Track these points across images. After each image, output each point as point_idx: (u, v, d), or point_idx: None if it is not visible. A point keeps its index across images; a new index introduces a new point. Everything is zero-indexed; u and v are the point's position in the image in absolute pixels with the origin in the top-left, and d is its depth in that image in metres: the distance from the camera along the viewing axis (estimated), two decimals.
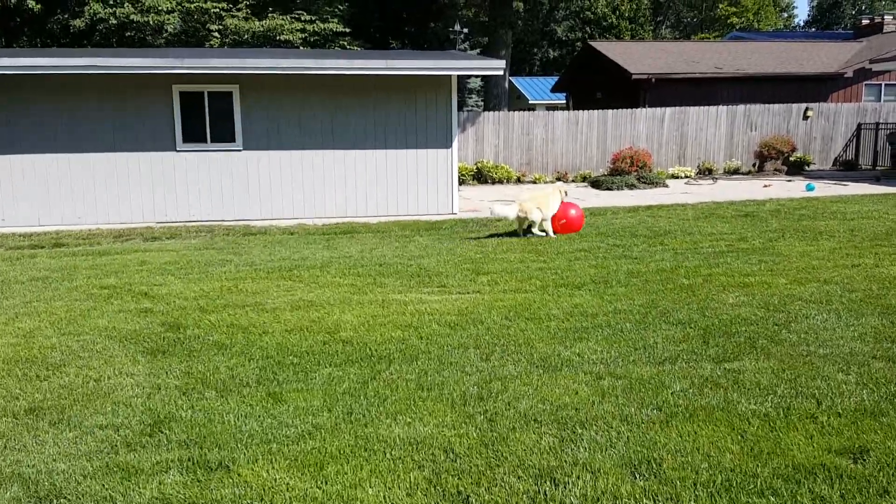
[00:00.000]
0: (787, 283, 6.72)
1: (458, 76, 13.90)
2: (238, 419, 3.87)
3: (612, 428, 3.56)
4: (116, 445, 3.65)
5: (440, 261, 8.37)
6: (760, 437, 3.39)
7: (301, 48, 25.67)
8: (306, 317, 5.89)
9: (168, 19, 25.69)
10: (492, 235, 10.45)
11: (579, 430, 3.54)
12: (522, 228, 10.38)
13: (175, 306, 6.46)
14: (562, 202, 10.45)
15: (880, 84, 25.04)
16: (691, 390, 4.05)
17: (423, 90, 13.37)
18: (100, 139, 12.75)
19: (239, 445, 3.54)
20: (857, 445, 3.27)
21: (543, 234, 10.24)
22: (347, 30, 28.33)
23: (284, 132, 13.23)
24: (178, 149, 13.05)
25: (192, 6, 26.00)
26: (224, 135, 13.19)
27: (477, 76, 27.70)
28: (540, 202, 10.27)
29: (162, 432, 3.77)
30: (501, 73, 12.95)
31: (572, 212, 10.56)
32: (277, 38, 25.75)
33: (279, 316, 5.95)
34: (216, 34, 26.66)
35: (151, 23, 25.64)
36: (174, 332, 5.64)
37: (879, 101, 24.44)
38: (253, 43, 26.26)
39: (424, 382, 4.29)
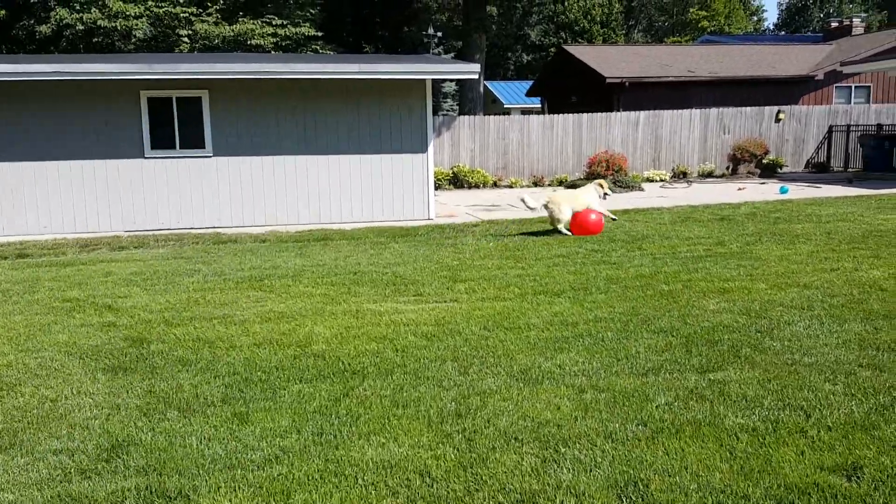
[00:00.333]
0: (767, 288, 6.64)
1: (433, 80, 13.76)
2: (201, 442, 3.65)
3: (596, 446, 3.40)
4: (70, 473, 3.41)
5: (416, 268, 8.19)
6: (750, 454, 3.25)
7: (273, 53, 25.35)
8: (276, 329, 5.67)
9: (136, 24, 25.23)
10: (469, 241, 10.28)
11: (562, 449, 3.38)
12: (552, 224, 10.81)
13: (139, 320, 6.21)
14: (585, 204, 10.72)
15: (850, 86, 25.36)
16: (676, 403, 3.90)
17: (397, 94, 13.20)
18: (66, 146, 12.39)
19: (201, 472, 3.32)
20: (849, 462, 3.14)
21: (568, 233, 10.62)
22: (320, 34, 28.07)
23: (256, 138, 12.97)
24: (146, 156, 12.73)
25: (161, 11, 25.58)
26: (194, 141, 12.90)
27: (451, 80, 27.59)
28: (575, 200, 10.76)
29: (119, 457, 3.54)
30: (476, 76, 12.81)
31: (592, 217, 10.60)
32: (248, 42, 25.41)
33: (248, 328, 5.72)
34: (186, 39, 26.25)
35: (119, 28, 25.16)
36: (137, 347, 5.39)
37: (849, 103, 24.76)
38: (223, 48, 25.89)
39: (400, 399, 4.10)
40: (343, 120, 13.15)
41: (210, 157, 12.96)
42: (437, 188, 20.08)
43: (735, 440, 3.39)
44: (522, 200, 10.99)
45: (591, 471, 3.17)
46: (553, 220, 10.75)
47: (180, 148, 12.85)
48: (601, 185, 11.14)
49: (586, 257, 8.70)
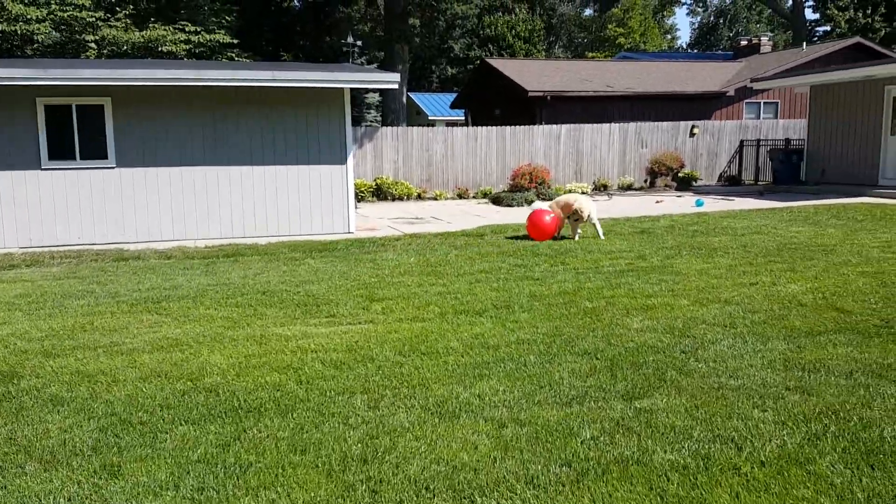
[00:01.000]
0: (689, 304, 6.51)
1: (354, 90, 13.33)
2: None
3: (516, 494, 3.05)
4: None
5: (331, 286, 7.72)
6: (682, 498, 2.98)
7: (185, 60, 24.31)
8: (168, 359, 5.11)
9: (38, 28, 23.72)
10: (390, 256, 9.88)
11: (479, 500, 3.02)
12: (571, 228, 11.27)
13: (14, 350, 5.52)
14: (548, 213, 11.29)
15: (759, 102, 26.35)
16: (602, 438, 3.61)
17: (314, 104, 12.70)
18: None
19: None
20: None
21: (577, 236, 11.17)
22: (236, 41, 27.15)
23: (163, 148, 12.21)
24: (43, 167, 11.79)
25: (66, 15, 24.14)
26: (95, 151, 12.04)
27: (372, 90, 27.14)
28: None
29: None
30: (396, 86, 12.48)
31: (546, 219, 11.18)
32: (160, 49, 24.28)
33: (136, 359, 5.14)
34: (93, 45, 24.87)
35: (20, 32, 23.60)
36: (6, 383, 4.74)
37: (759, 118, 25.71)
38: (133, 54, 24.67)
39: (299, 442, 3.66)
40: (257, 130, 12.55)
41: (113, 168, 12.11)
42: (359, 200, 19.62)
43: (666, 481, 3.12)
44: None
45: None
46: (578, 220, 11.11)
47: (81, 159, 11.96)
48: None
49: (509, 273, 8.44)
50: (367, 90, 26.14)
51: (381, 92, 27.44)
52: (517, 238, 11.36)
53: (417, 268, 8.91)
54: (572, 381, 4.50)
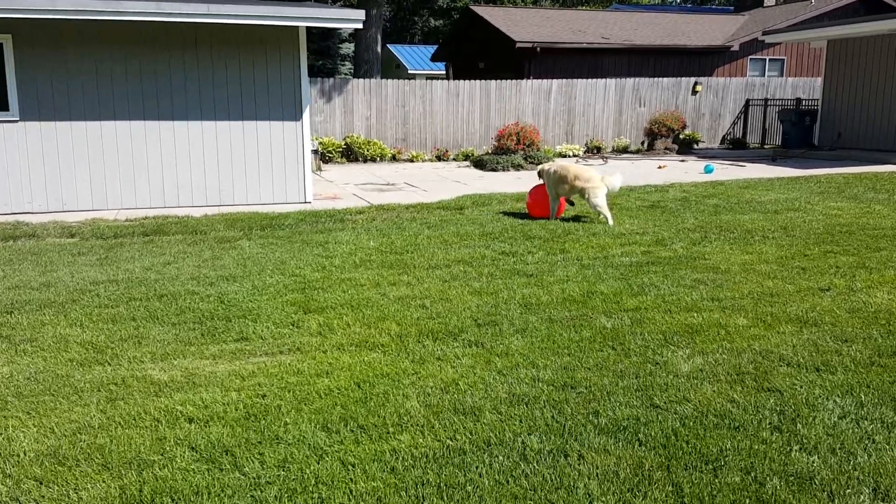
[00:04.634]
0: (748, 324, 4.65)
1: (315, 31, 11.15)
2: None
3: None
4: None
5: (257, 285, 5.77)
6: None
7: None
8: None
9: None
10: (347, 237, 7.91)
11: None
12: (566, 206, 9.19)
13: None
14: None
15: (765, 59, 24.36)
16: None
17: (261, 46, 10.56)
18: None
19: None
20: None
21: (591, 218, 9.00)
22: None
23: (78, 98, 10.04)
24: None
25: None
26: None
27: (332, 29, 24.70)
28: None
29: None
30: (360, 25, 10.40)
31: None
32: None
33: None
34: None
35: None
36: None
37: (763, 75, 23.74)
38: None
39: None
40: (192, 78, 10.40)
41: (16, 121, 9.94)
42: (327, 161, 17.51)
43: None
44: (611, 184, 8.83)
45: None
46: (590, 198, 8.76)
47: None
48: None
49: (495, 264, 6.54)
50: (327, 30, 23.59)
51: (354, 40, 25.00)
52: (503, 213, 9.42)
53: (378, 255, 6.96)
54: (607, 499, 2.63)
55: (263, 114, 10.73)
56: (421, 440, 3.08)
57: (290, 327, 4.73)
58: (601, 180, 8.65)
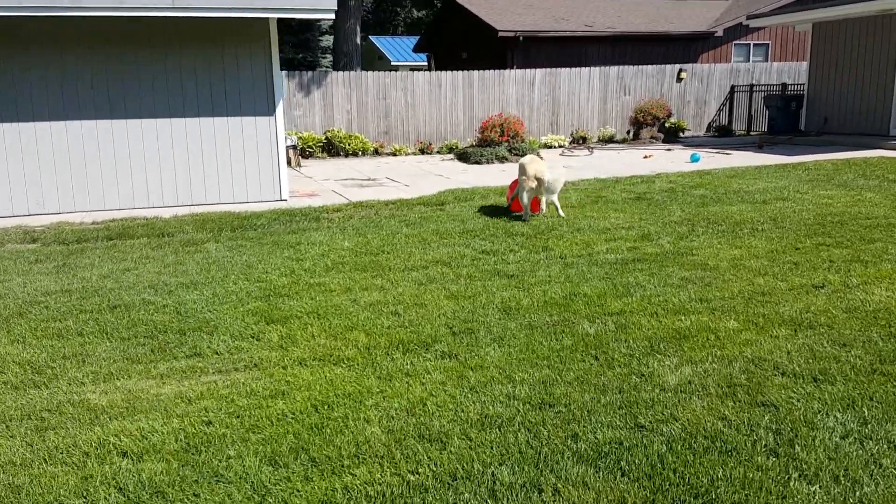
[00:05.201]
0: (739, 327, 4.36)
1: (287, 21, 10.74)
2: None
3: None
4: None
5: (218, 293, 5.42)
6: None
7: None
8: None
9: None
10: (320, 237, 7.57)
11: None
12: (529, 206, 8.26)
13: None
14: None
15: (749, 44, 24.09)
16: None
17: (233, 40, 10.16)
18: None
19: None
20: None
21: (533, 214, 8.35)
22: None
23: (42, 99, 9.60)
24: None
25: None
26: None
27: (304, 20, 24.24)
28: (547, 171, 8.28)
29: None
30: (333, 15, 10.02)
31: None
32: None
33: None
34: None
35: None
36: None
37: (748, 61, 23.49)
38: None
39: None
40: (160, 74, 9.98)
41: None
42: (307, 157, 17.11)
43: None
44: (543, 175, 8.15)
45: None
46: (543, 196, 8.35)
47: None
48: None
49: (475, 264, 6.22)
50: (302, 21, 23.10)
51: (334, 32, 24.51)
52: (486, 208, 9.11)
53: (352, 257, 6.63)
54: None
55: (235, 109, 10.34)
56: (378, 475, 2.76)
57: (250, 340, 4.39)
58: (534, 176, 8.11)
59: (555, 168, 8.62)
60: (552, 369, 3.78)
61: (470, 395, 3.46)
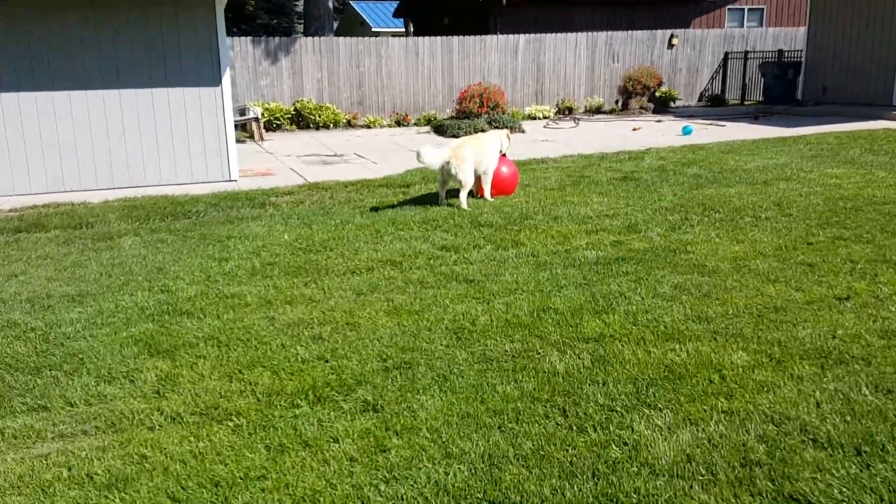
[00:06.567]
0: (750, 362, 3.40)
1: None
2: None
3: None
4: None
5: (103, 310, 4.39)
6: None
7: None
8: None
9: None
10: (258, 229, 6.52)
11: None
12: (444, 190, 7.45)
13: None
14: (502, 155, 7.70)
15: (743, 8, 22.91)
16: None
17: (172, 1, 8.99)
18: None
19: None
20: None
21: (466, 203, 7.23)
22: None
23: None
24: None
25: None
26: None
27: None
28: (477, 151, 7.30)
29: None
30: None
31: (504, 170, 7.69)
32: None
33: None
34: None
35: None
36: None
37: (742, 26, 22.34)
38: None
39: None
40: (92, 39, 8.82)
41: None
42: (274, 129, 15.96)
43: None
44: (419, 156, 7.04)
45: None
46: (445, 183, 7.39)
47: None
48: (506, 139, 7.74)
49: (430, 264, 5.22)
50: None
51: None
52: (455, 192, 8.06)
53: (287, 256, 5.61)
54: None
55: (175, 79, 9.20)
56: None
57: (120, 382, 3.39)
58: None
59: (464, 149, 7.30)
60: (504, 434, 2.81)
61: (383, 488, 2.48)
